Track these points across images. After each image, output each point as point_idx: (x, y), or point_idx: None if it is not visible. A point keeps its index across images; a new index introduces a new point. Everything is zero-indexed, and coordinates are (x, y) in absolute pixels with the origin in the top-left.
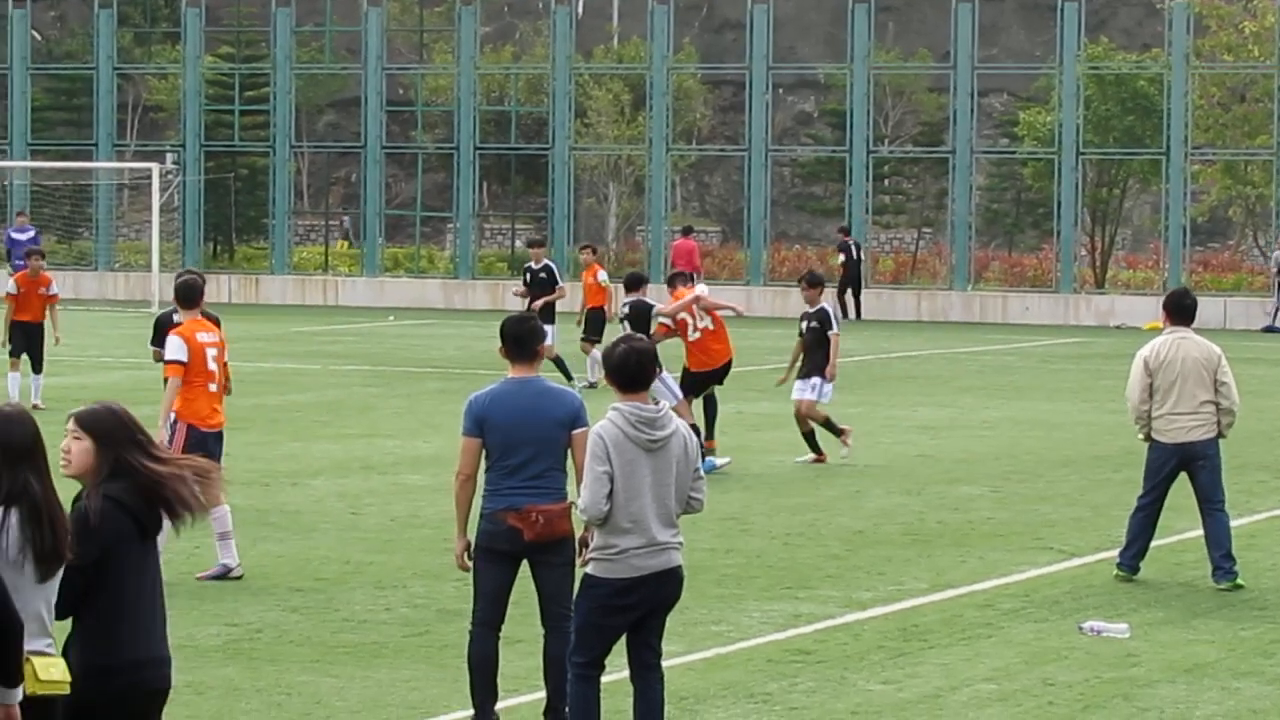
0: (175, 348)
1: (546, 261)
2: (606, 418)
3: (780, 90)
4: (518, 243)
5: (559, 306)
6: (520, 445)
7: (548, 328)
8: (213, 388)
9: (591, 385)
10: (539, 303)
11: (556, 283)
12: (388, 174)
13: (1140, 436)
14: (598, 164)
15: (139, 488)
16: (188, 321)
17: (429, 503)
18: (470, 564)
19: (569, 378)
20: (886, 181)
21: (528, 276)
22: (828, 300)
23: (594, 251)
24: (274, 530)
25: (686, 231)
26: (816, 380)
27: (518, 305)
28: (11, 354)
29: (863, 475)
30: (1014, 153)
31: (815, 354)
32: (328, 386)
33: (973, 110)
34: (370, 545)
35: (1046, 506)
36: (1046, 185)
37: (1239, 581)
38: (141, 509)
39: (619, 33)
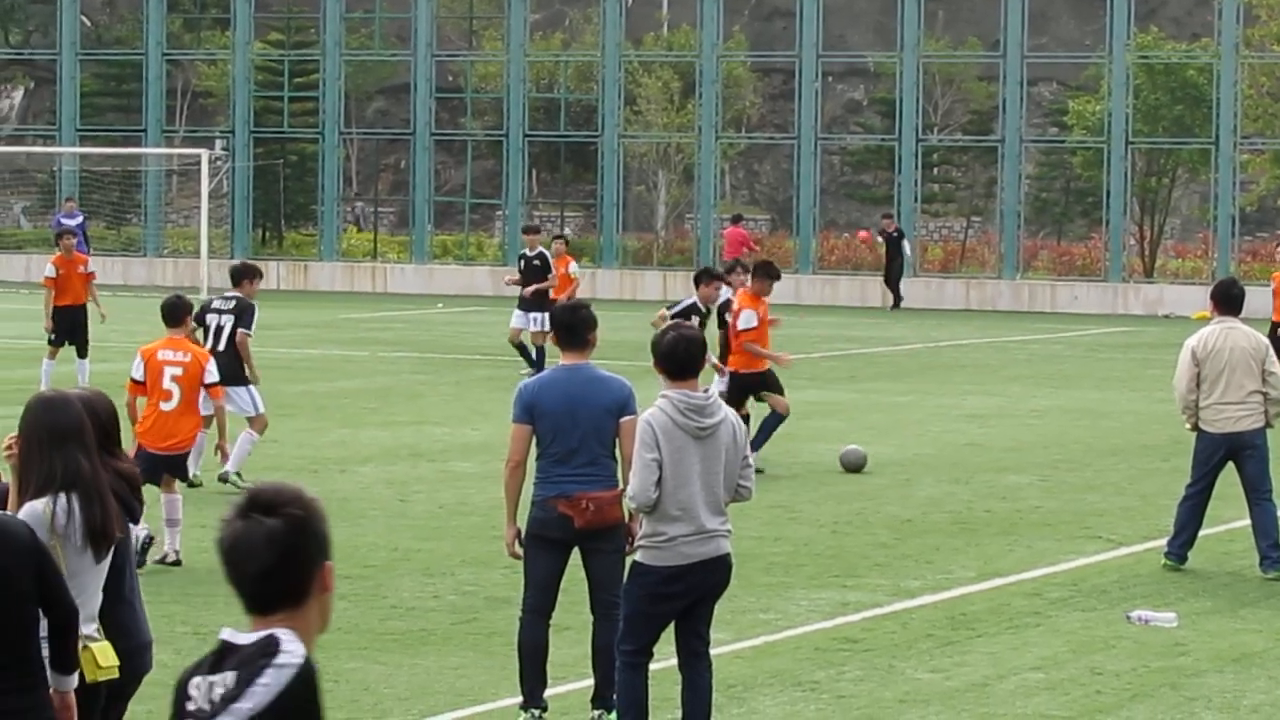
0: (134, 365)
1: (541, 249)
2: (656, 405)
3: (830, 78)
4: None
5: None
6: (570, 432)
7: (537, 315)
8: (167, 406)
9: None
10: (530, 290)
11: (550, 270)
12: (437, 161)
13: (1187, 426)
14: (647, 151)
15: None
16: (161, 340)
17: (477, 490)
18: (520, 551)
19: (531, 363)
20: (935, 170)
21: (522, 264)
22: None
23: (566, 242)
24: None
25: (736, 220)
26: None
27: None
28: (54, 342)
29: (911, 464)
30: (1063, 142)
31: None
32: (376, 373)
33: (1022, 99)
34: (418, 532)
35: (1094, 495)
36: (1095, 174)
37: None
38: (129, 498)
39: (669, 20)
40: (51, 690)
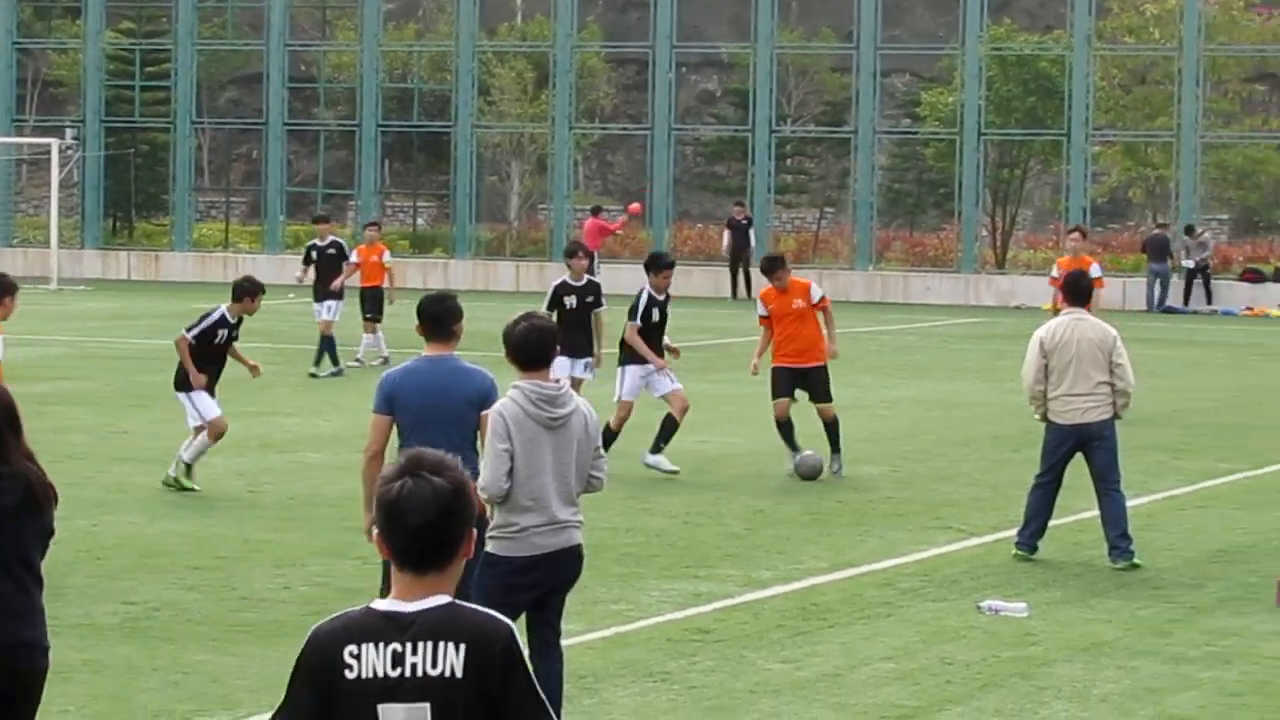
0: None
1: (333, 238)
2: (508, 395)
3: (684, 69)
4: (420, 220)
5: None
6: (431, 424)
7: (332, 304)
8: None
9: (359, 362)
10: (338, 282)
11: (345, 259)
12: (289, 151)
13: (1036, 417)
14: (501, 142)
15: None
16: None
17: (328, 481)
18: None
19: (335, 361)
20: (789, 161)
21: (314, 254)
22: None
23: (378, 228)
24: (173, 508)
25: (595, 211)
26: (589, 360)
27: (419, 283)
28: None
29: (764, 455)
30: (916, 133)
31: (578, 332)
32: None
33: (875, 90)
34: (269, 524)
35: (946, 486)
36: (948, 165)
37: (1136, 561)
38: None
39: (523, 10)
40: None
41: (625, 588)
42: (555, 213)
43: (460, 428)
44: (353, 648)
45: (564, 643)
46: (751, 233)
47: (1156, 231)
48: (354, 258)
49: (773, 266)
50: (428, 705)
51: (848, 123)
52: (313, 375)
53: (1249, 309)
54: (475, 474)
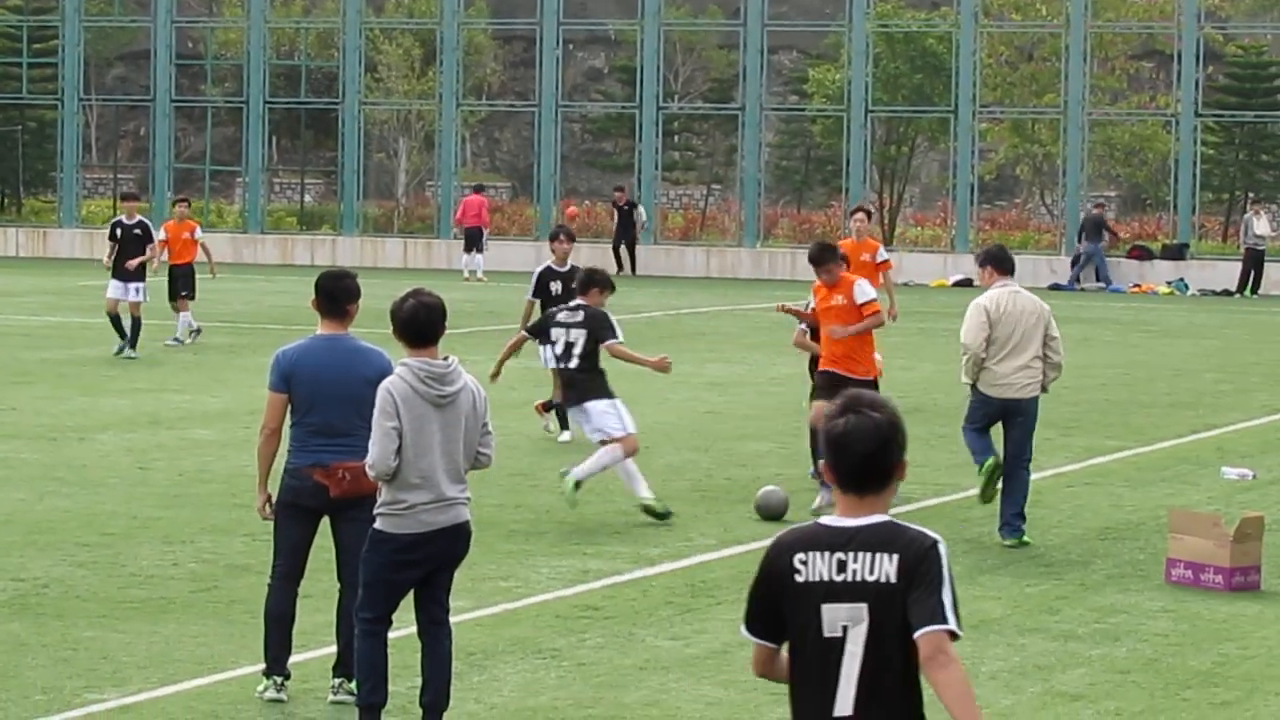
0: None
1: (140, 218)
2: (395, 373)
3: (571, 46)
4: (307, 197)
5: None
6: (328, 402)
7: (137, 285)
8: None
9: (178, 341)
10: (135, 262)
11: (151, 239)
12: (177, 128)
13: (966, 382)
14: (388, 119)
15: None
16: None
17: (218, 458)
18: (271, 515)
19: (124, 338)
20: (676, 138)
21: (119, 232)
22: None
23: (188, 204)
24: (61, 485)
25: (478, 189)
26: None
27: (307, 260)
28: None
29: (651, 432)
30: (803, 110)
31: None
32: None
33: (763, 67)
34: (158, 500)
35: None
36: (836, 143)
37: (1025, 539)
38: None
39: None
40: None
41: (514, 564)
42: (443, 190)
43: (358, 407)
44: (802, 555)
45: (453, 620)
46: (640, 210)
47: (1095, 212)
48: (161, 234)
49: (824, 258)
50: (865, 605)
51: (735, 100)
52: (131, 357)
53: (1136, 286)
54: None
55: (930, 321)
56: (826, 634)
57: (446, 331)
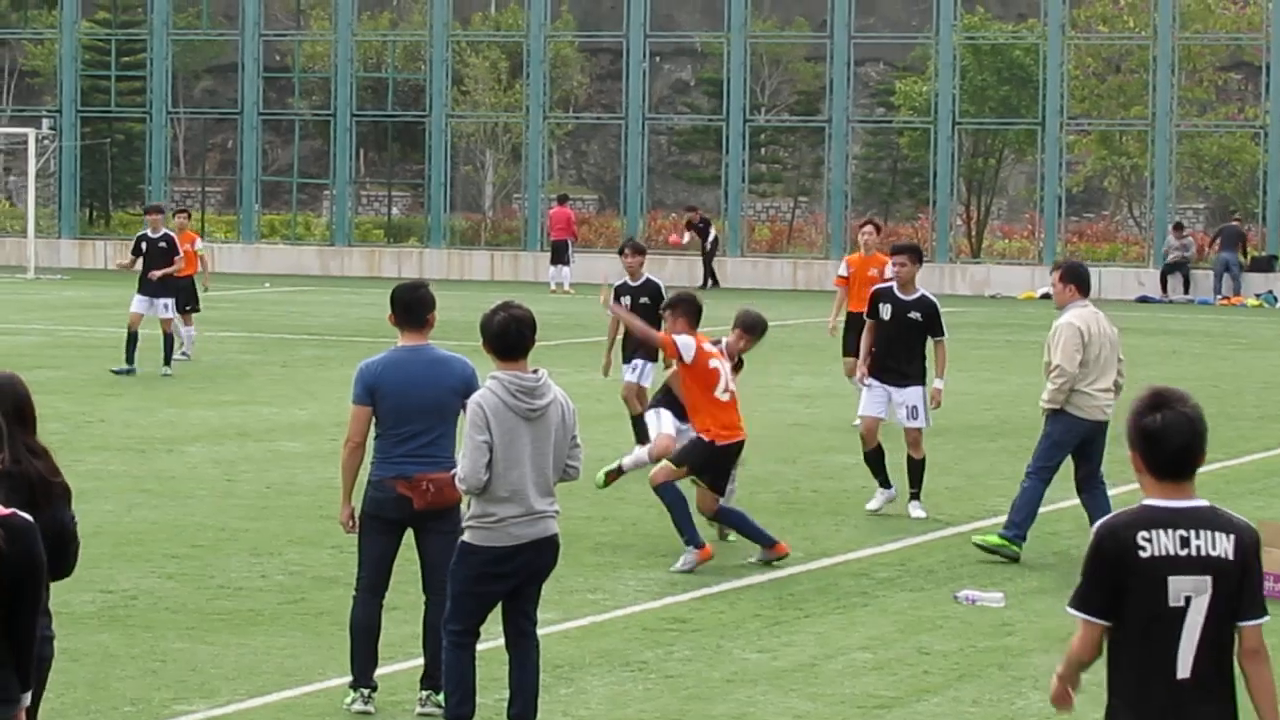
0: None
1: (166, 230)
2: (486, 386)
3: (657, 58)
4: (394, 210)
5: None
6: (413, 414)
7: (166, 300)
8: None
9: (185, 356)
10: (158, 273)
11: (177, 252)
12: (264, 140)
13: (1051, 406)
14: (475, 131)
15: None
16: None
17: (304, 469)
18: (355, 529)
19: (132, 359)
20: (763, 150)
21: (143, 245)
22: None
23: (189, 216)
24: (149, 496)
25: (562, 200)
26: (639, 362)
27: (394, 272)
28: None
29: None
30: (890, 122)
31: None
32: (204, 353)
33: (849, 79)
34: (246, 512)
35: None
36: (922, 155)
37: None
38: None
39: (496, 0)
40: None
41: (601, 577)
42: (530, 202)
43: (442, 417)
44: (1144, 533)
45: (540, 632)
46: (718, 223)
47: (1234, 222)
48: (196, 248)
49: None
50: (1209, 578)
51: (821, 112)
52: (166, 374)
53: (1224, 298)
54: (452, 462)
55: (1018, 334)
56: (1171, 604)
57: (535, 344)
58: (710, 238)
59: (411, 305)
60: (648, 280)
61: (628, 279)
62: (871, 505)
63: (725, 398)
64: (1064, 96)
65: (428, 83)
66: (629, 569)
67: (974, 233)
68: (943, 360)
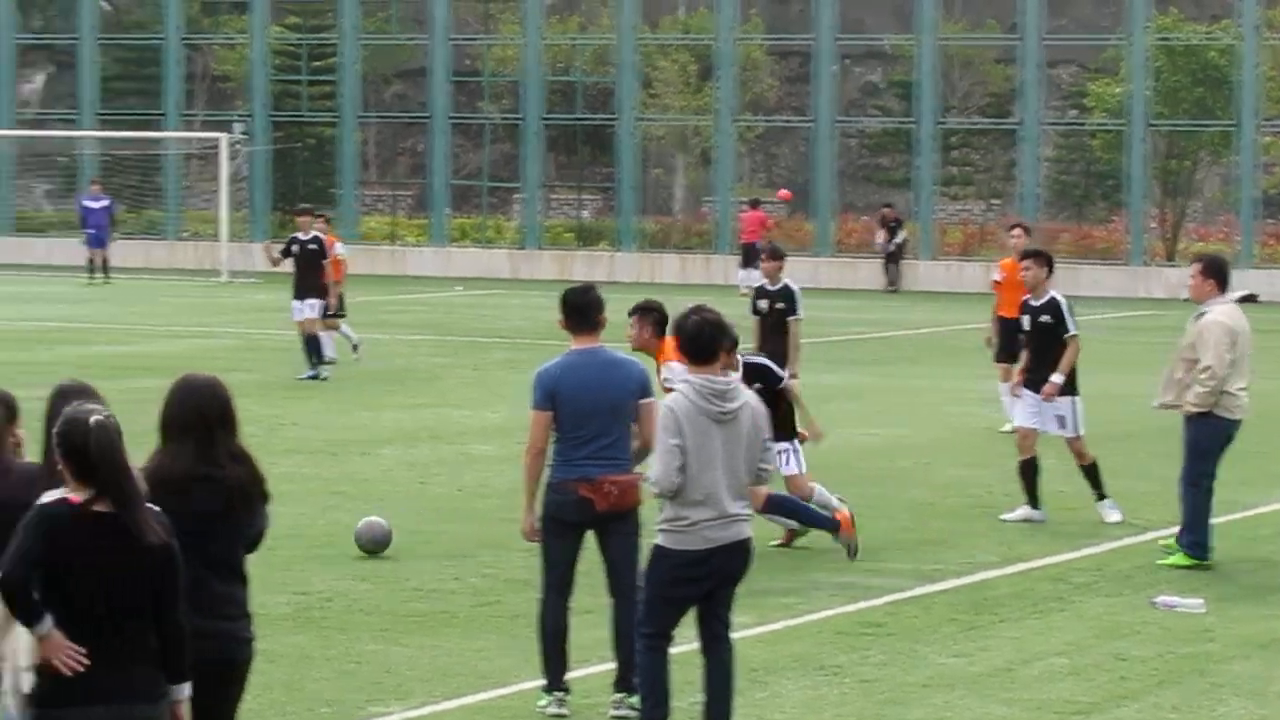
0: None
1: (315, 232)
2: (678, 389)
3: (847, 61)
4: (584, 213)
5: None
6: (592, 416)
7: (313, 303)
8: None
9: (330, 361)
10: (330, 279)
11: (326, 255)
12: (454, 144)
13: (1199, 409)
14: (664, 135)
15: None
16: None
17: (497, 473)
18: (537, 537)
19: (321, 360)
20: (954, 153)
21: (295, 247)
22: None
23: (327, 221)
24: (343, 499)
25: (754, 204)
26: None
27: (584, 275)
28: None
29: (931, 447)
30: (1083, 124)
31: (774, 338)
32: (396, 356)
33: (1041, 81)
34: (439, 515)
35: (1117, 480)
36: (1116, 157)
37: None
38: None
39: (685, 3)
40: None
41: (795, 581)
42: (720, 205)
43: (620, 419)
44: None
45: (734, 635)
46: (910, 225)
47: None
48: (339, 251)
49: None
50: None
51: (1013, 114)
52: (314, 377)
53: None
54: (630, 463)
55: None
56: None
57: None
58: (898, 239)
59: (583, 308)
60: (785, 285)
61: (766, 283)
62: (1007, 515)
63: None
64: (1259, 98)
65: (616, 86)
66: (823, 573)
67: (1169, 235)
68: (1065, 356)
